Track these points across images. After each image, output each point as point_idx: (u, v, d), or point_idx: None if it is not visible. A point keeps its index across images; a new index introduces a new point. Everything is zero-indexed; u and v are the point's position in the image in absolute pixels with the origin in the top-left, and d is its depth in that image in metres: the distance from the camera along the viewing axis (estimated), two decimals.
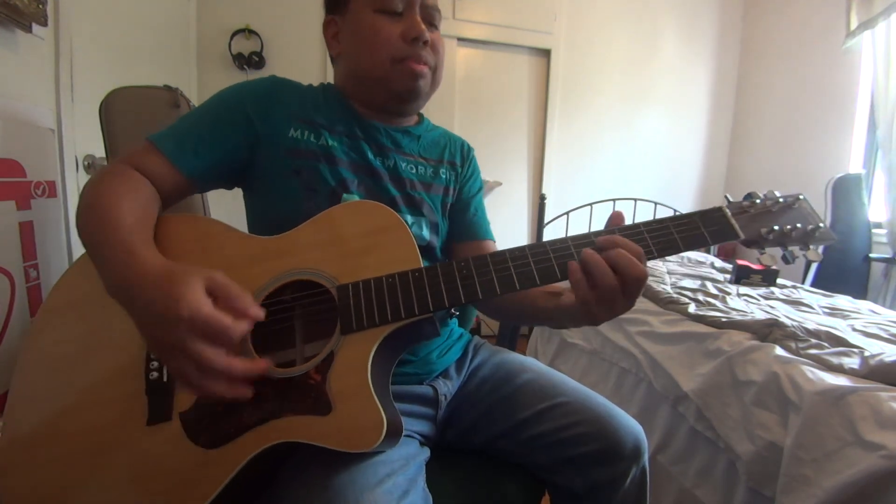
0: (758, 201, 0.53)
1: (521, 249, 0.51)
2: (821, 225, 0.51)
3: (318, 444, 0.45)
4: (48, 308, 0.54)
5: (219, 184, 0.67)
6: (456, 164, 0.79)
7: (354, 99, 0.71)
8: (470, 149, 0.83)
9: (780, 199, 0.53)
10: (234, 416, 0.47)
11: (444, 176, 0.76)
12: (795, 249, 0.52)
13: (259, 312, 0.46)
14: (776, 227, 0.51)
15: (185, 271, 0.44)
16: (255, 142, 0.64)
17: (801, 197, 0.53)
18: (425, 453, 0.61)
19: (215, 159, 0.62)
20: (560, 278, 0.50)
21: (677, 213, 0.53)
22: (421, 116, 0.80)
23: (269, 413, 0.47)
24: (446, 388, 0.70)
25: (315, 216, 0.58)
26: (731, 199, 0.54)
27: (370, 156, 0.68)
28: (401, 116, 0.74)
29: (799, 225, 0.51)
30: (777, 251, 0.52)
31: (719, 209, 0.52)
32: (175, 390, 0.49)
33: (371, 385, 0.47)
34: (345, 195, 0.63)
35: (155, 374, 0.50)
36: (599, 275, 0.46)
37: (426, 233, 0.70)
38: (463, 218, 0.78)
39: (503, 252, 0.51)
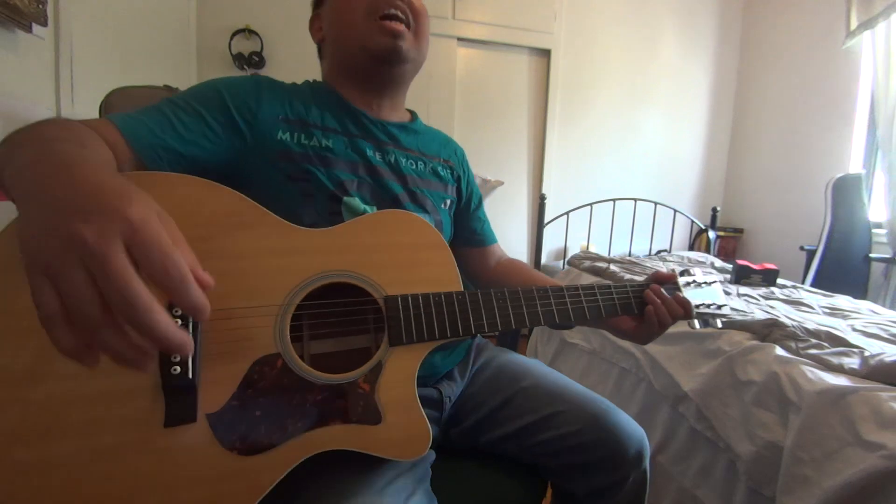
0: (692, 279, 0.68)
1: (551, 290, 0.60)
2: (726, 304, 0.68)
3: (369, 453, 0.47)
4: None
5: (180, 170, 0.55)
6: (453, 164, 0.78)
7: (343, 88, 0.69)
8: (463, 152, 0.84)
9: (705, 281, 0.69)
10: (275, 422, 0.44)
11: (443, 173, 0.75)
12: (709, 319, 0.68)
13: (210, 282, 0.33)
14: (703, 303, 0.67)
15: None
16: (241, 147, 0.59)
17: (719, 280, 0.70)
18: (431, 455, 0.61)
19: (182, 146, 0.54)
20: (573, 321, 0.60)
21: (624, 285, 0.66)
22: (413, 114, 0.79)
23: (316, 420, 0.46)
24: (450, 390, 0.70)
25: (359, 217, 0.55)
26: (680, 274, 0.69)
27: (369, 153, 0.66)
28: (388, 89, 0.70)
29: (715, 302, 0.67)
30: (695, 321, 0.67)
31: (675, 284, 0.67)
32: (199, 388, 0.43)
33: (417, 397, 0.50)
34: (345, 198, 0.61)
35: (178, 368, 0.41)
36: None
37: None
38: (472, 226, 0.82)
39: (531, 290, 0.59)
